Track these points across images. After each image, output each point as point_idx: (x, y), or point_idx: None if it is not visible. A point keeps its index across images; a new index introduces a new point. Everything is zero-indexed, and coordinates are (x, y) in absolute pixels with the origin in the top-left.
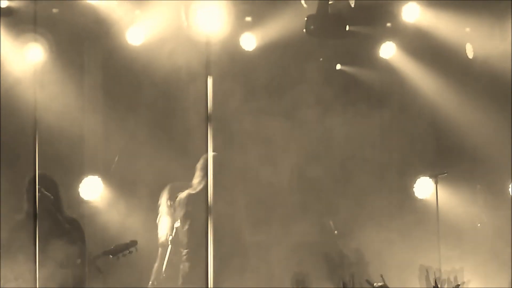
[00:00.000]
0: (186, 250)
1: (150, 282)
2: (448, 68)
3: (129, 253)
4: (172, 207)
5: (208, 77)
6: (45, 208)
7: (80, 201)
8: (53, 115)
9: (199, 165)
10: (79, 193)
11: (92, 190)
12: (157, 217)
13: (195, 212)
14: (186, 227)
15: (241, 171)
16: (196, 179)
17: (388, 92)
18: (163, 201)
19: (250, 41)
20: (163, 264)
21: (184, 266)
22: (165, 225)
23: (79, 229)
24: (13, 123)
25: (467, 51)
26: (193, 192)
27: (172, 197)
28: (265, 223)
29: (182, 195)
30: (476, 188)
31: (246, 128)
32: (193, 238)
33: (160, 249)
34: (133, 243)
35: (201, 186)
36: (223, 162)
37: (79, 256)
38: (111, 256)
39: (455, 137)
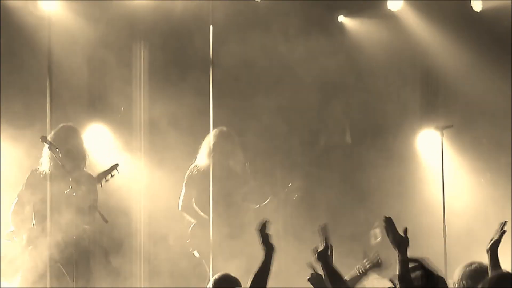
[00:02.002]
0: None
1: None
2: (456, 21)
3: (111, 176)
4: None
5: (211, 26)
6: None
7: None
8: (66, 65)
9: None
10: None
11: (99, 139)
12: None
13: None
14: None
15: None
16: None
17: (393, 44)
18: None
19: None
20: None
21: None
22: None
23: (93, 185)
24: (27, 73)
25: (472, 4)
26: None
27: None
28: None
29: None
30: (481, 142)
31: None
32: None
33: None
34: (115, 166)
35: None
36: None
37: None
38: (100, 185)
39: (461, 90)
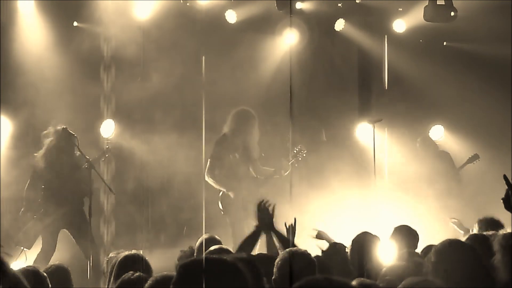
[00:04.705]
0: None
1: None
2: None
3: (106, 157)
4: None
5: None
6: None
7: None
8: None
9: None
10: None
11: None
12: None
13: None
14: None
15: None
16: None
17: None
18: None
19: (232, 16)
20: None
21: None
22: None
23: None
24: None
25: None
26: None
27: None
28: None
29: None
30: (404, 133)
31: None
32: None
33: None
34: (107, 150)
35: None
36: None
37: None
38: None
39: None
